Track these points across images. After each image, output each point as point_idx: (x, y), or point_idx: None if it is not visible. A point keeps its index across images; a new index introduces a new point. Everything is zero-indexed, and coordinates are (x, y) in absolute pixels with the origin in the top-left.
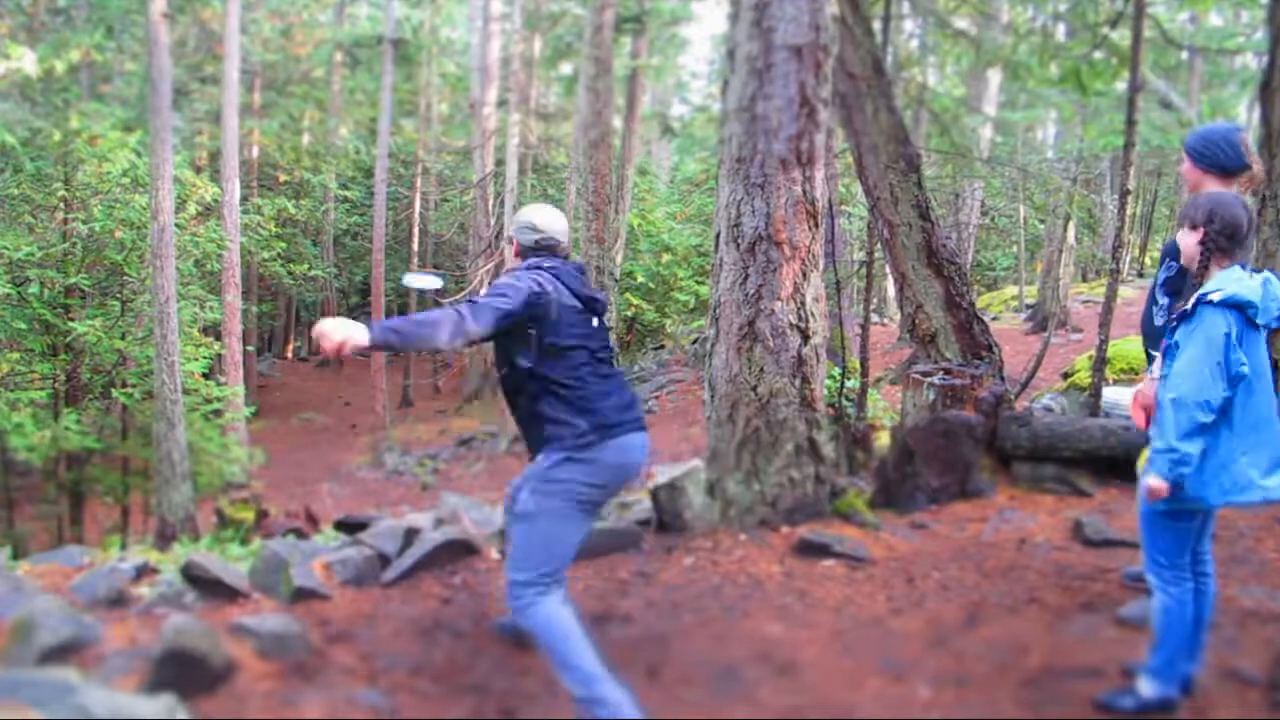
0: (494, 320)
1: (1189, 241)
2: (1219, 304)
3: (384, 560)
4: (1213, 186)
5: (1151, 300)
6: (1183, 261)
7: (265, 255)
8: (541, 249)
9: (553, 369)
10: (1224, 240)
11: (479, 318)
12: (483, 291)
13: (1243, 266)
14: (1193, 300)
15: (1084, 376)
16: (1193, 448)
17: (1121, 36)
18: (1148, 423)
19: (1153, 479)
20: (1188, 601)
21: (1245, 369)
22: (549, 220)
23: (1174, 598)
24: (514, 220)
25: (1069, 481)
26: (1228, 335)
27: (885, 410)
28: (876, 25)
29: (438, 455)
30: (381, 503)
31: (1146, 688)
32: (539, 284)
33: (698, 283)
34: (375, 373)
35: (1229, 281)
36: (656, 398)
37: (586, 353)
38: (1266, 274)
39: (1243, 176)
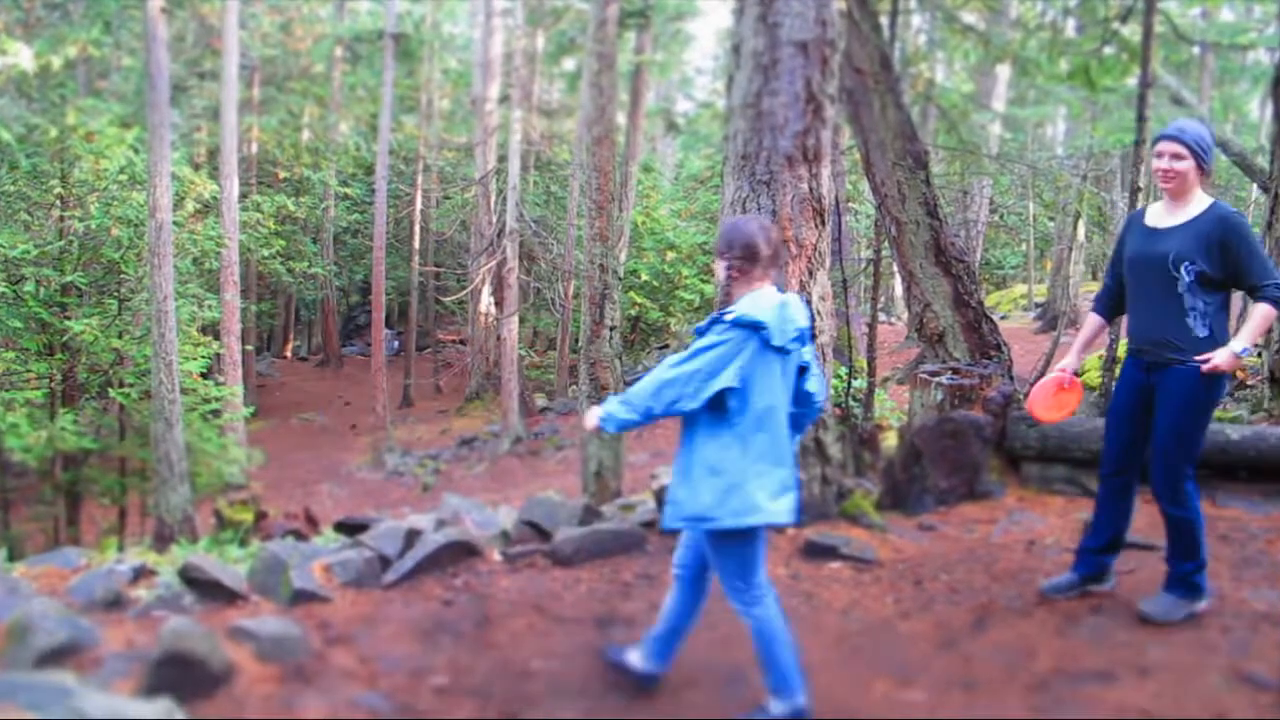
0: None
1: (719, 270)
2: (732, 323)
3: (384, 562)
4: None
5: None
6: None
7: (264, 253)
8: None
9: None
10: (744, 263)
11: None
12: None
13: (778, 288)
14: (710, 317)
15: (1093, 376)
16: (634, 415)
17: (1132, 32)
18: None
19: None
20: (771, 617)
21: (736, 384)
22: None
23: (757, 617)
24: None
25: (1078, 482)
26: (730, 352)
27: (892, 410)
28: (884, 20)
29: (439, 456)
30: (382, 504)
31: (776, 707)
32: None
33: (702, 281)
34: (375, 372)
35: (749, 303)
36: None
37: None
38: (788, 296)
39: None
